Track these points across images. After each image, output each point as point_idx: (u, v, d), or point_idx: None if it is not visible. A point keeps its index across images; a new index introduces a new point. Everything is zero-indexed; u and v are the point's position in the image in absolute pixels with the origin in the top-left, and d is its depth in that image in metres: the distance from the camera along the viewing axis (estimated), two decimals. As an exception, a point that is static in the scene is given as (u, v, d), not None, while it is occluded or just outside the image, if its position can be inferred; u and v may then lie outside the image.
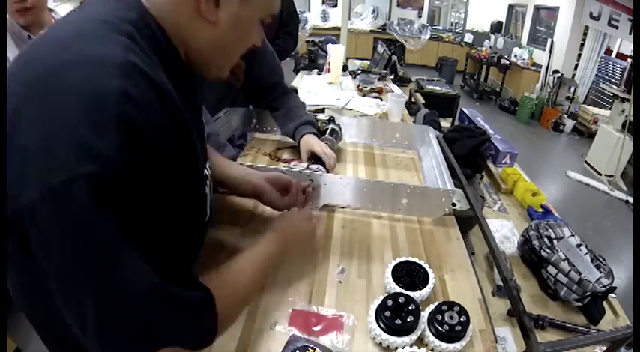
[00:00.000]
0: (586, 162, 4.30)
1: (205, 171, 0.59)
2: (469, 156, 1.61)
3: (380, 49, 3.27)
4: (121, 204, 0.34)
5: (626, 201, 3.57)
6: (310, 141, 1.11)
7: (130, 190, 0.35)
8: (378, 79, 2.49)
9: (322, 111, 1.69)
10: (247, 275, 0.56)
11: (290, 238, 0.69)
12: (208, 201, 0.62)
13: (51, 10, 1.42)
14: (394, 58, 3.02)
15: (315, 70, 2.56)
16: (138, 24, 0.42)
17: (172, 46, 0.47)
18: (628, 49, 4.98)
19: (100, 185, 0.33)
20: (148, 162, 0.37)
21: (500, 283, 1.03)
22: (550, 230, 1.11)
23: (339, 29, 3.56)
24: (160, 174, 0.38)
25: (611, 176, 3.92)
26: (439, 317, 0.62)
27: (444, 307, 0.64)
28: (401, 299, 0.63)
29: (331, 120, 1.29)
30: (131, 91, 0.35)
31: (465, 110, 2.30)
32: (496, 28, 7.70)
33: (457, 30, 8.69)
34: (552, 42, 5.85)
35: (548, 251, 1.06)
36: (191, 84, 0.52)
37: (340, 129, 1.27)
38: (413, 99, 2.73)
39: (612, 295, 1.03)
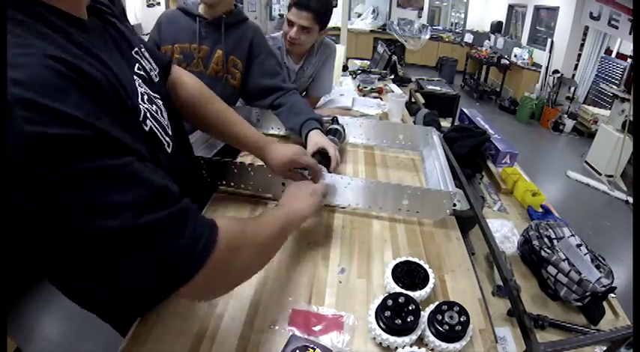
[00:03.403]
0: (586, 162, 4.31)
1: (143, 106, 0.54)
2: (469, 156, 1.61)
3: (380, 49, 3.27)
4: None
5: (626, 201, 3.58)
6: (320, 139, 1.10)
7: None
8: (378, 79, 2.49)
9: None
10: (265, 231, 0.57)
11: (297, 204, 0.73)
12: (163, 131, 0.59)
13: None
14: (394, 58, 3.02)
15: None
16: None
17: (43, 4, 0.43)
18: (628, 49, 4.98)
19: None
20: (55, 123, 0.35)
21: (500, 283, 1.03)
22: (550, 230, 1.11)
23: (339, 29, 3.56)
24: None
25: (611, 176, 3.92)
26: (439, 317, 0.62)
27: (444, 307, 0.64)
28: (401, 299, 0.63)
29: (334, 120, 1.29)
30: (17, 77, 0.34)
31: (465, 110, 2.30)
32: (496, 28, 7.70)
33: (457, 30, 8.69)
34: (552, 42, 5.85)
35: (548, 251, 1.06)
36: (83, 26, 0.49)
37: (344, 130, 1.27)
38: (413, 99, 2.73)
39: (612, 295, 1.03)
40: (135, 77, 0.57)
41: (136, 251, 0.39)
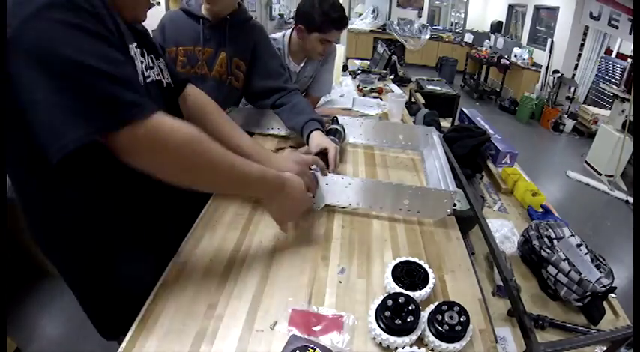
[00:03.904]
0: (586, 162, 4.31)
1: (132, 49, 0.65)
2: (469, 156, 1.61)
3: (380, 49, 3.28)
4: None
5: (626, 201, 3.58)
6: (322, 140, 1.09)
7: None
8: (378, 79, 2.50)
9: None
10: (224, 159, 0.62)
11: (286, 191, 0.74)
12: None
13: None
14: (394, 58, 3.03)
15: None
16: None
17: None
18: (628, 49, 4.99)
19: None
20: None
21: (500, 283, 1.03)
22: (550, 230, 1.11)
23: (339, 29, 3.55)
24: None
25: (611, 176, 3.92)
26: (439, 317, 0.62)
27: (444, 307, 0.64)
28: (401, 299, 0.63)
29: (335, 120, 1.29)
30: None
31: (465, 110, 2.30)
32: (496, 28, 7.70)
33: (457, 30, 8.70)
34: (552, 42, 5.85)
35: (548, 251, 1.06)
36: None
37: (344, 130, 1.27)
38: (413, 99, 2.73)
39: (612, 295, 1.03)
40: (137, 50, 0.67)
41: (90, 84, 0.49)
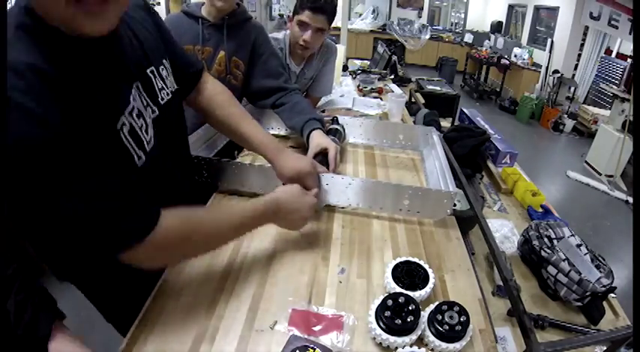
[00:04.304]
0: (586, 162, 4.31)
1: (126, 119, 0.60)
2: (469, 156, 1.61)
3: (380, 49, 3.28)
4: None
5: (626, 201, 3.58)
6: (323, 140, 1.09)
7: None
8: (378, 79, 2.50)
9: (322, 112, 1.69)
10: (218, 226, 0.67)
11: (282, 209, 0.76)
12: (138, 147, 0.63)
13: None
14: (394, 58, 3.03)
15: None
16: (26, 25, 0.50)
17: (50, 27, 0.51)
18: (628, 49, 4.99)
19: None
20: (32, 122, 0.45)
21: (500, 283, 1.03)
22: (550, 230, 1.11)
23: (339, 29, 3.56)
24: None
25: (611, 176, 3.92)
26: (439, 317, 0.62)
27: (444, 307, 0.64)
28: (401, 299, 0.63)
29: (335, 120, 1.29)
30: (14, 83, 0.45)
31: (465, 110, 2.30)
32: (496, 28, 7.70)
33: (457, 30, 8.70)
34: (552, 42, 5.85)
35: (548, 251, 1.06)
36: (83, 51, 0.55)
37: (344, 130, 1.27)
38: (413, 99, 2.73)
39: (612, 295, 1.03)
40: (133, 91, 0.63)
41: (86, 230, 0.51)
